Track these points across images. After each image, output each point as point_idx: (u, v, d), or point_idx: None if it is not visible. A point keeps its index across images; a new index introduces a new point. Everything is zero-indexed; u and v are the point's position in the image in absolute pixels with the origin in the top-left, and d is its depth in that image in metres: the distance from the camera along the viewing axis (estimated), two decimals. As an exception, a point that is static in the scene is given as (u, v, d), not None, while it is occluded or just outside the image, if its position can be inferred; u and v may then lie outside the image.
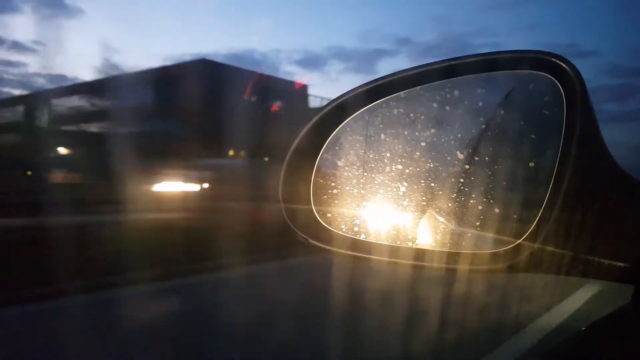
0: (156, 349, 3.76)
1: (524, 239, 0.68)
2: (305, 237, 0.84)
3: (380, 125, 0.90)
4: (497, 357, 3.60)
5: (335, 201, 0.90)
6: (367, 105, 0.86)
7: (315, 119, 0.83)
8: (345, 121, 0.86)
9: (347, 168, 0.94)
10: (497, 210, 0.82)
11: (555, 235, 0.66)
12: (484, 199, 0.85)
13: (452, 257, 0.81)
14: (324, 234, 0.86)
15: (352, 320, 4.29)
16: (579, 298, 4.94)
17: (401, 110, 0.88)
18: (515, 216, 0.76)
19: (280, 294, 5.57)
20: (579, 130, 0.66)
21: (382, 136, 0.92)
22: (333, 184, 0.91)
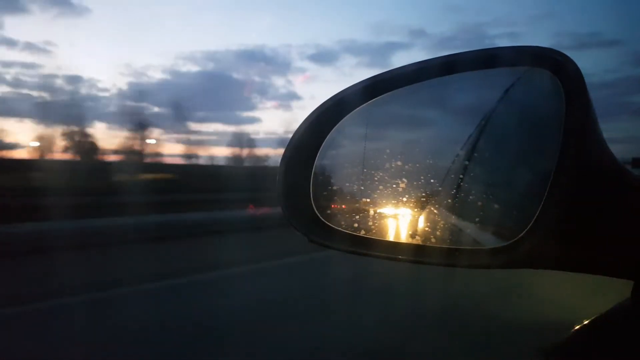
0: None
1: (523, 235, 0.68)
2: (304, 233, 0.84)
3: (380, 122, 0.90)
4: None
5: (335, 197, 0.90)
6: (366, 102, 0.86)
7: (314, 114, 0.83)
8: (345, 117, 0.86)
9: (346, 164, 0.94)
10: (496, 205, 0.82)
11: (554, 231, 0.66)
12: (484, 195, 0.85)
13: (452, 253, 0.81)
14: (323, 231, 0.86)
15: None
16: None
17: (400, 106, 0.88)
18: (514, 212, 0.76)
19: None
20: (579, 126, 0.66)
21: (382, 132, 0.92)
22: (332, 180, 0.91)
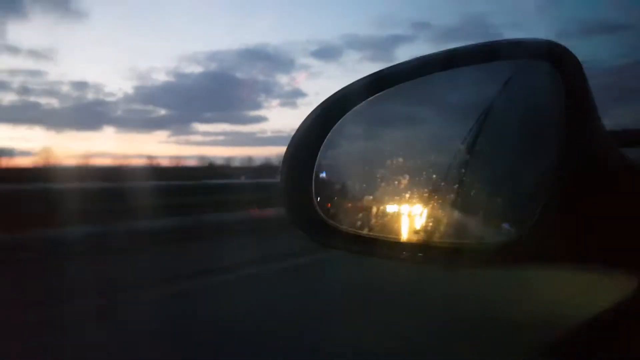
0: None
1: (527, 231, 0.67)
2: (307, 233, 0.84)
3: (380, 119, 0.90)
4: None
5: (337, 196, 0.90)
6: (367, 98, 0.85)
7: (316, 112, 0.83)
8: (345, 116, 0.86)
9: (348, 163, 0.94)
10: (499, 201, 0.82)
11: (559, 226, 0.65)
12: (486, 190, 0.85)
13: (456, 249, 0.81)
14: (326, 230, 0.86)
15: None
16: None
17: (400, 103, 0.88)
18: (517, 207, 0.76)
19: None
20: (579, 117, 0.66)
21: (382, 130, 0.92)
22: (334, 179, 0.91)
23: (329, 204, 0.88)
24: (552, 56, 0.69)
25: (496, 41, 0.76)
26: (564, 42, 0.70)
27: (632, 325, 0.68)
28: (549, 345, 0.73)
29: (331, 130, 0.86)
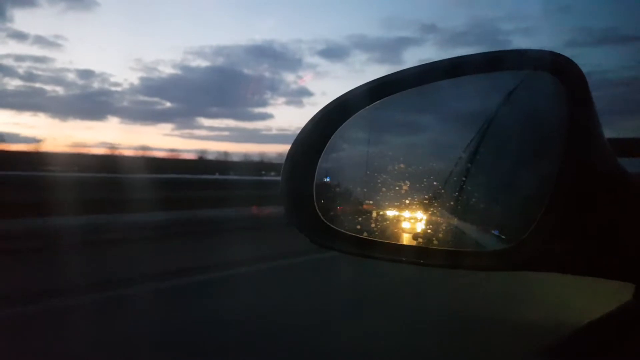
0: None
1: (525, 237, 0.68)
2: (307, 234, 0.84)
3: (383, 125, 0.91)
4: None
5: (338, 199, 0.90)
6: (370, 104, 0.86)
7: (319, 115, 0.84)
8: (349, 120, 0.87)
9: (349, 166, 0.95)
10: (498, 208, 0.82)
11: (557, 234, 0.66)
12: (486, 197, 0.86)
13: (455, 255, 0.81)
14: (326, 232, 0.86)
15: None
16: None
17: (403, 109, 0.89)
18: (516, 214, 0.77)
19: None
20: (582, 129, 0.66)
21: (385, 134, 0.92)
22: (336, 182, 0.91)
23: (330, 207, 0.88)
24: (555, 67, 0.70)
25: (500, 51, 0.77)
26: (572, 51, 0.70)
27: (630, 330, 0.68)
28: (547, 348, 0.73)
29: (334, 134, 0.87)
